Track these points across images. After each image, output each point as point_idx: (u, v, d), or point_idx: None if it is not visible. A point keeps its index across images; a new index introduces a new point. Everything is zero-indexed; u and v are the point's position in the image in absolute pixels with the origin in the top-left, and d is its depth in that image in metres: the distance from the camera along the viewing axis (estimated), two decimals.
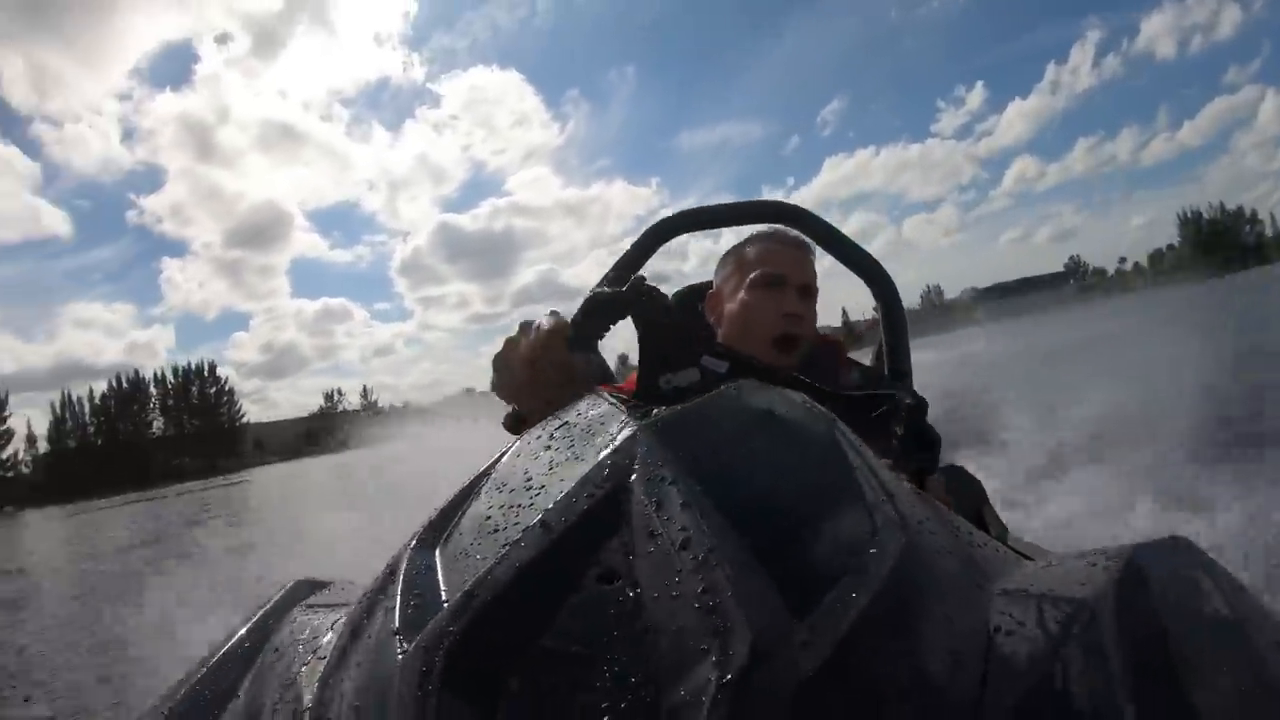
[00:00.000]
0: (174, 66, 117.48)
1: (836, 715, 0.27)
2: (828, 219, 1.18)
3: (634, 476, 0.35)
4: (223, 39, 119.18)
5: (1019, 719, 0.29)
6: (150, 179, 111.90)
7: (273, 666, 0.43)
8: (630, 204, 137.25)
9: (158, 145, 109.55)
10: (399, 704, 0.30)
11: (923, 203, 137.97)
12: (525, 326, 0.72)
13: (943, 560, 0.37)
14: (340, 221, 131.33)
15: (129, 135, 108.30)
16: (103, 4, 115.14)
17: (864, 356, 1.20)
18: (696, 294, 1.17)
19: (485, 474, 0.44)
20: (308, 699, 0.37)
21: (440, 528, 0.41)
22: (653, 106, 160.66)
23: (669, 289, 1.05)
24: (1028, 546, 0.93)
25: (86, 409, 51.81)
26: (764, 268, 0.98)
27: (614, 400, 0.46)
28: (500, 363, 0.72)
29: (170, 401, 54.18)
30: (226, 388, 57.37)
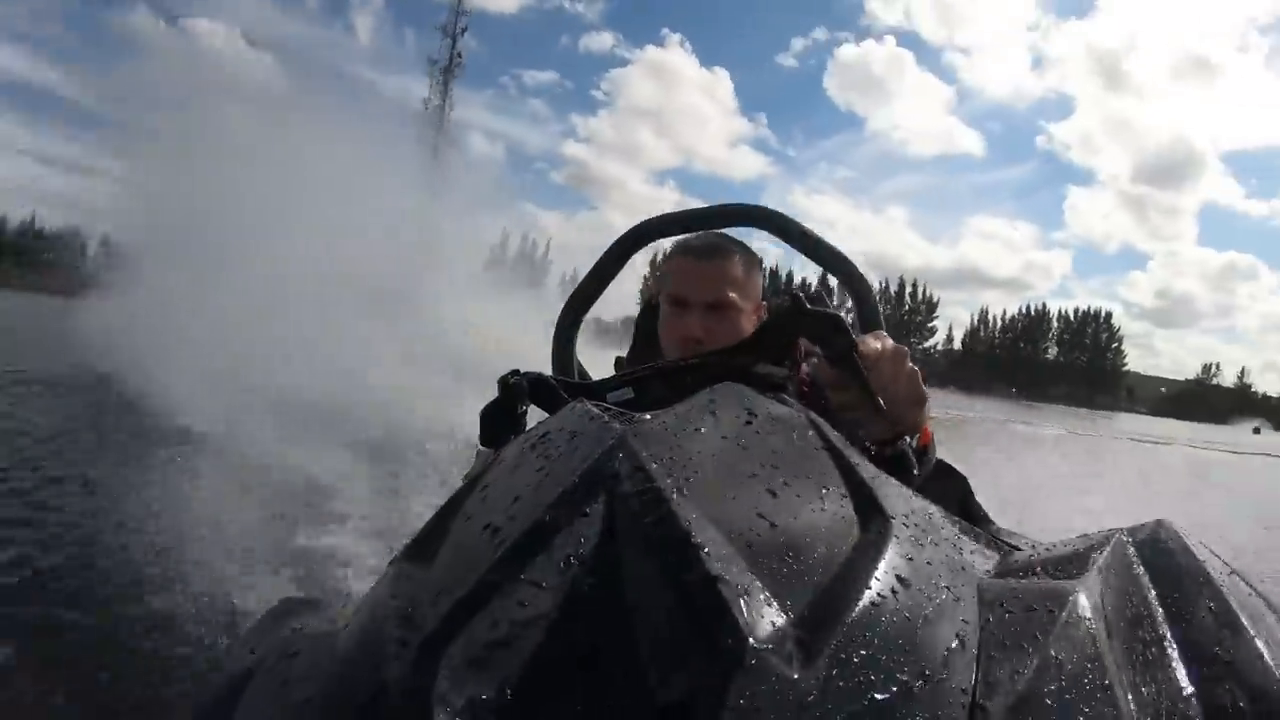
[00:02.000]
0: None
1: (832, 714, 0.27)
2: None
3: (619, 483, 0.35)
4: None
5: (1013, 708, 0.29)
6: (1060, 106, 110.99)
7: (260, 694, 0.41)
8: None
9: (1065, 73, 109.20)
10: (394, 718, 0.30)
11: None
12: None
13: (930, 553, 0.37)
14: (1261, 168, 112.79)
15: (1038, 63, 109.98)
16: None
17: None
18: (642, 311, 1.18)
19: (469, 487, 0.44)
20: None
21: (426, 542, 0.40)
22: None
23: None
24: (1013, 537, 0.94)
25: (998, 325, 61.19)
26: (671, 289, 0.99)
27: (596, 408, 0.46)
28: None
29: (1066, 336, 60.69)
30: (1117, 335, 61.48)
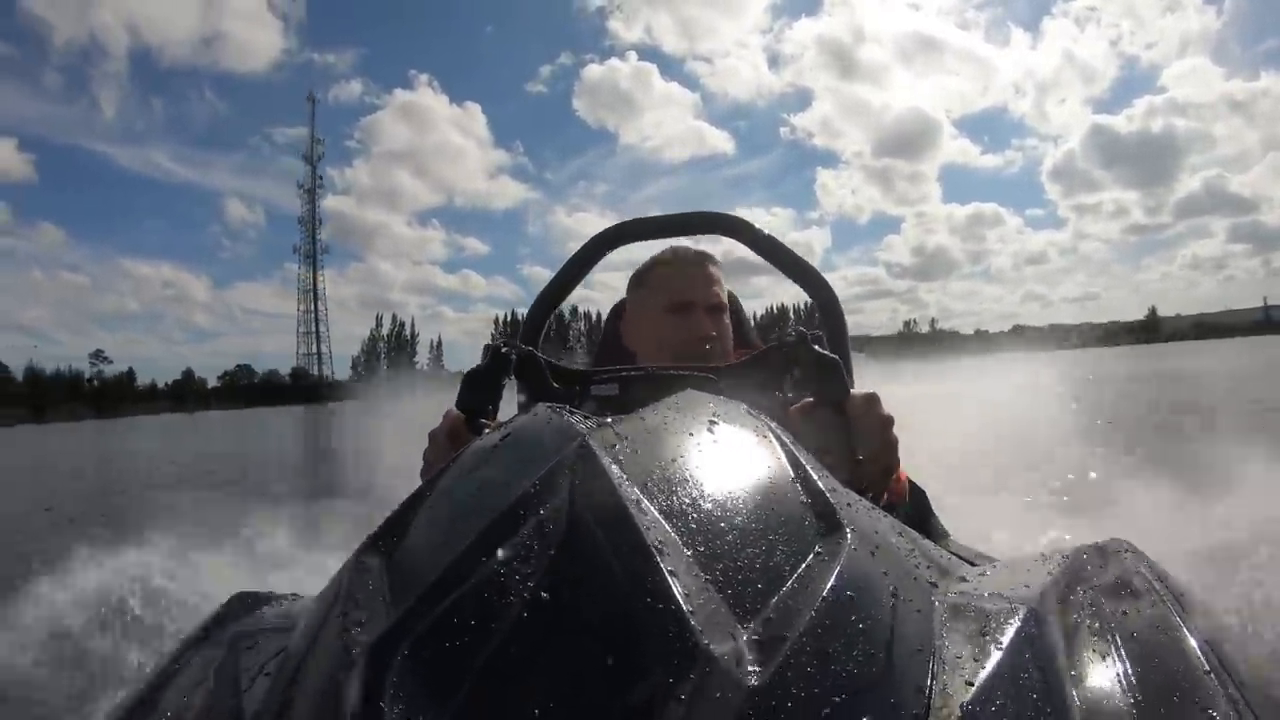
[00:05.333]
0: None
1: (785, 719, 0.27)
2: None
3: (580, 485, 0.35)
4: None
5: (965, 718, 0.30)
6: (799, 99, 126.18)
7: (217, 687, 0.41)
8: None
9: (801, 69, 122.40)
10: (347, 715, 0.29)
11: None
12: (432, 435, 0.74)
13: (887, 564, 0.37)
14: (988, 127, 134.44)
15: (774, 62, 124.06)
16: None
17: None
18: (616, 313, 1.19)
19: (433, 483, 0.43)
20: (250, 716, 0.36)
21: (387, 537, 0.40)
22: None
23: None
24: (971, 552, 0.96)
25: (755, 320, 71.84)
26: (671, 295, 1.00)
27: (560, 410, 0.46)
28: (425, 473, 0.73)
29: (801, 321, 70.05)
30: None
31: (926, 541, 0.47)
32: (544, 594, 0.31)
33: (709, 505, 0.36)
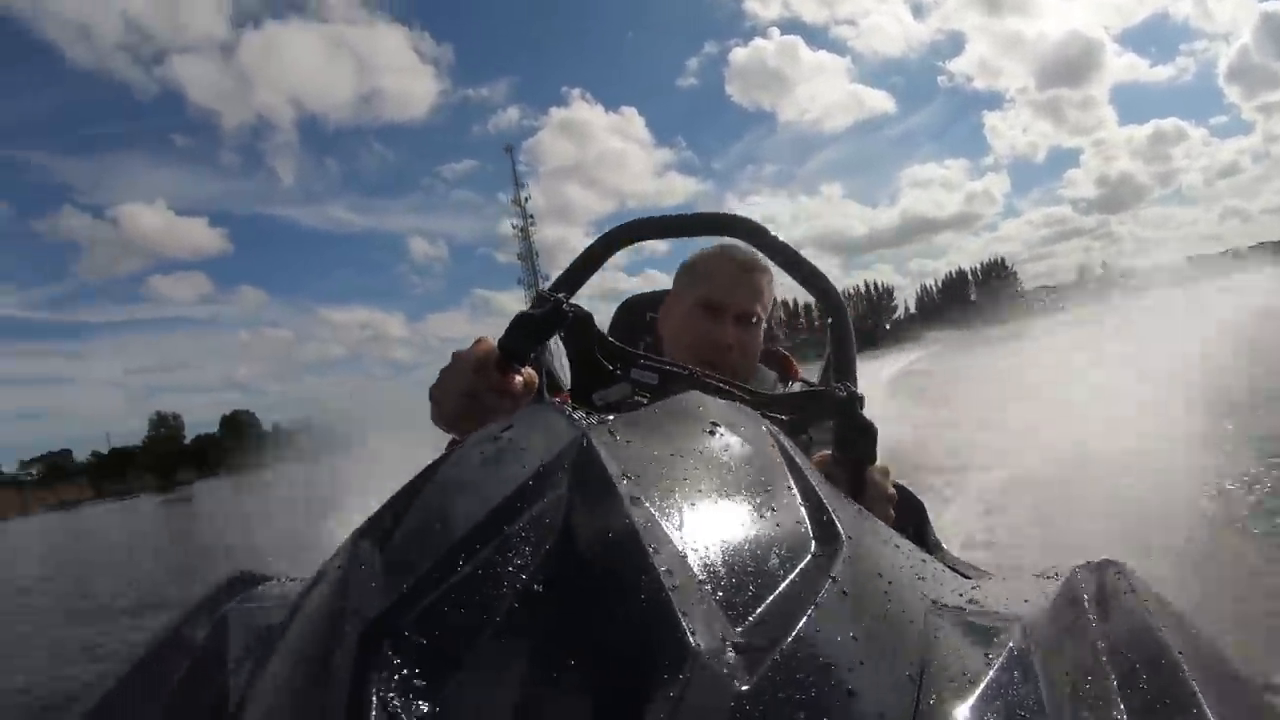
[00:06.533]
0: None
1: None
2: None
3: (576, 482, 0.35)
4: None
5: None
6: (950, 44, 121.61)
7: (206, 666, 0.41)
8: None
9: (947, 13, 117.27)
10: (337, 701, 0.29)
11: None
12: (457, 356, 0.72)
13: (881, 574, 0.37)
14: (1152, 36, 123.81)
15: (918, 11, 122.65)
16: None
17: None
18: (651, 302, 1.17)
19: (429, 473, 0.43)
20: (238, 698, 0.36)
21: (383, 524, 0.40)
22: None
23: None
24: (965, 566, 0.95)
25: (935, 288, 75.62)
26: (707, 293, 0.99)
27: (559, 407, 0.46)
28: (437, 394, 0.72)
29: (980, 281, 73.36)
30: (1011, 270, 75.99)
31: (922, 554, 0.47)
32: (537, 587, 0.31)
33: (706, 507, 0.36)
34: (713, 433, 0.43)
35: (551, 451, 0.38)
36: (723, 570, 0.32)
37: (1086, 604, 0.40)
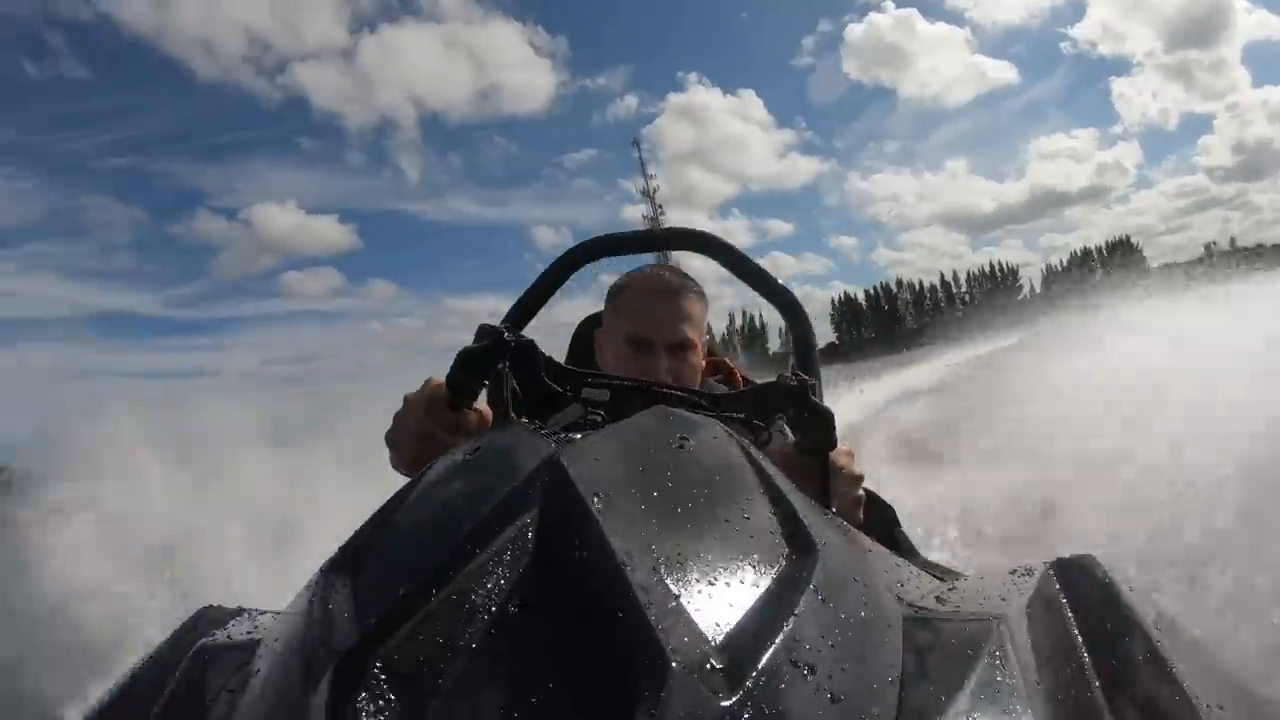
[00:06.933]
0: None
1: None
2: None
3: (549, 501, 0.35)
4: None
5: None
6: (1072, 9, 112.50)
7: (182, 701, 0.40)
8: None
9: None
10: None
11: None
12: (408, 399, 0.73)
13: (857, 580, 0.38)
14: None
15: None
16: None
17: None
18: (596, 323, 1.16)
19: (401, 498, 0.43)
20: None
21: (355, 551, 0.39)
22: None
23: None
24: (938, 568, 0.97)
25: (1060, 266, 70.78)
26: (633, 328, 0.97)
27: (529, 426, 0.46)
28: (393, 438, 0.72)
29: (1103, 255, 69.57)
30: (1138, 246, 71.74)
31: (896, 558, 0.47)
32: (512, 610, 0.31)
33: (679, 522, 0.36)
34: (682, 447, 0.43)
35: (522, 472, 0.37)
36: (699, 585, 0.32)
37: (1061, 599, 0.40)
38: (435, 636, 0.30)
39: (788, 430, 0.73)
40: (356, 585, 0.36)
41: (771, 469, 0.44)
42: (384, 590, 0.34)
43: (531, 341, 0.73)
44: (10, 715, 2.47)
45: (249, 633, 0.46)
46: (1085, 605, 0.40)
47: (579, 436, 0.42)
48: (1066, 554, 0.46)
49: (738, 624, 0.31)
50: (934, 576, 0.49)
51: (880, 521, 1.04)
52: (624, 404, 0.73)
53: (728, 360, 1.19)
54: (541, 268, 1.23)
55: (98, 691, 0.45)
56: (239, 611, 0.51)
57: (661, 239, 1.20)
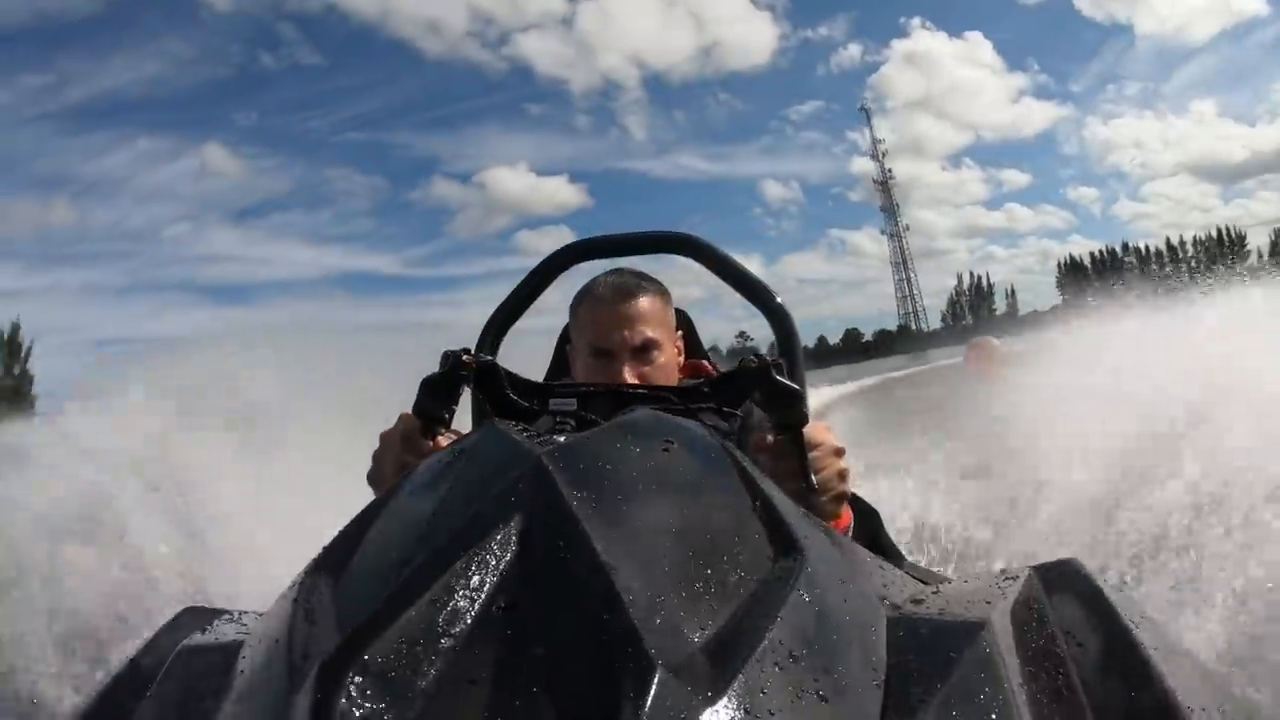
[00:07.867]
0: None
1: None
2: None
3: (534, 504, 0.35)
4: None
5: None
6: None
7: (165, 702, 0.40)
8: None
9: None
10: None
11: None
12: (384, 436, 0.74)
13: (842, 582, 0.38)
14: None
15: None
16: None
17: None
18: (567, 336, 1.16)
19: (384, 501, 0.42)
20: None
21: (337, 554, 0.39)
22: None
23: None
24: (923, 572, 0.98)
25: None
26: (592, 339, 0.97)
27: (513, 429, 0.46)
28: (375, 476, 0.73)
29: None
30: None
31: (882, 561, 0.47)
32: (495, 612, 0.31)
33: (664, 524, 0.36)
34: (665, 449, 0.43)
35: (505, 475, 0.37)
36: (684, 587, 0.32)
37: (1046, 602, 0.41)
38: (419, 638, 0.30)
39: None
40: (340, 587, 0.36)
41: (756, 471, 0.44)
42: (367, 592, 0.34)
43: (492, 362, 0.75)
44: None
45: (232, 634, 0.46)
46: (1069, 607, 0.40)
47: (562, 439, 0.42)
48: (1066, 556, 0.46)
49: (723, 626, 0.31)
50: (918, 580, 0.50)
51: (865, 525, 1.05)
52: (591, 411, 0.74)
53: (706, 362, 1.19)
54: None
55: None
56: (221, 612, 0.51)
57: (641, 243, 1.19)
